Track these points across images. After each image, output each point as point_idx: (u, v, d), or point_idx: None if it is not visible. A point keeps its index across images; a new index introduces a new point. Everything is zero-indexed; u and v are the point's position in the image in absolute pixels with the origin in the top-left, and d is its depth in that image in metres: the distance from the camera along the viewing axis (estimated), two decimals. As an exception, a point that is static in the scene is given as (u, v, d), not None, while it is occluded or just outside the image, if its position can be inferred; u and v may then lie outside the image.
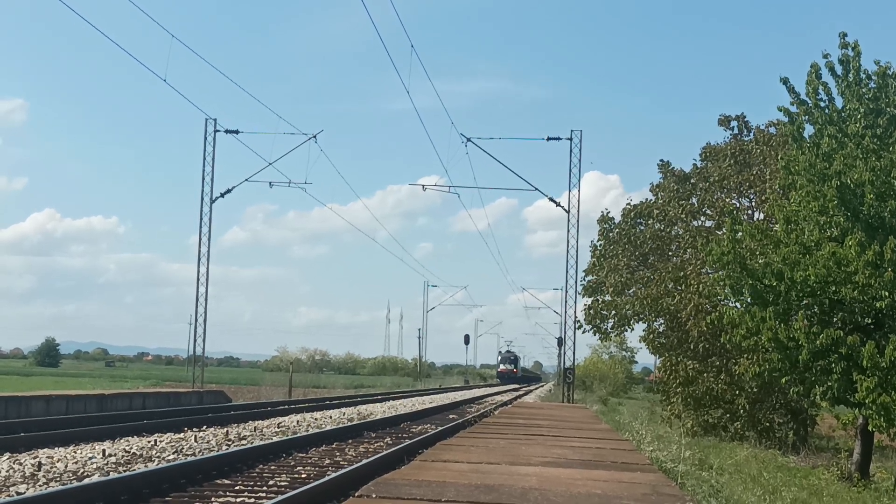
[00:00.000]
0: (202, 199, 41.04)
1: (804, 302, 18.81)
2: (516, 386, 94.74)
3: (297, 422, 22.69)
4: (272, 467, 13.74)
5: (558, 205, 42.29)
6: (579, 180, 42.21)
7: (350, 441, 18.67)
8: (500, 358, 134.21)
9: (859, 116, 18.81)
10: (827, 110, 19.61)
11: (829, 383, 17.94)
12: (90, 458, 13.36)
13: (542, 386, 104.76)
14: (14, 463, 12.49)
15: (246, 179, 41.97)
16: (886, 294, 17.19)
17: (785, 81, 20.02)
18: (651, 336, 35.64)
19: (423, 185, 47.07)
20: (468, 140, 40.93)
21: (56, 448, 14.67)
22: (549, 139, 42.82)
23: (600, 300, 38.62)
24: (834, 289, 17.99)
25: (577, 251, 42.14)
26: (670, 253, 36.81)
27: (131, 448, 14.87)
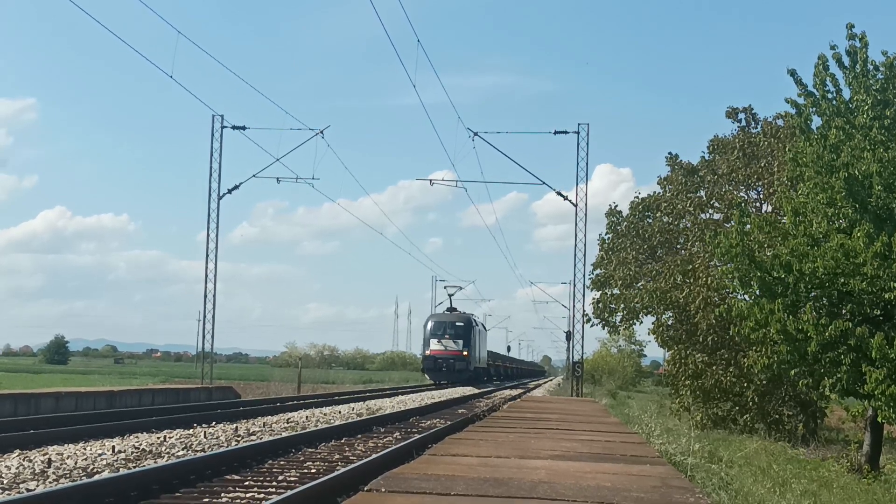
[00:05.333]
0: (209, 195, 41.06)
1: (813, 294, 18.78)
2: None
3: (307, 417, 22.70)
4: (281, 463, 13.75)
5: (565, 198, 42.23)
6: (587, 174, 42.01)
7: (359, 436, 18.67)
8: (429, 328, 60.60)
9: (867, 108, 18.76)
10: (834, 102, 19.56)
11: (839, 375, 17.91)
12: (100, 455, 13.37)
13: (552, 380, 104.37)
14: (24, 460, 12.52)
15: (253, 175, 41.87)
16: (895, 285, 17.15)
17: (792, 73, 19.98)
18: (660, 329, 35.59)
19: (431, 180, 46.38)
20: (475, 134, 40.83)
21: (66, 445, 14.69)
22: (556, 133, 42.75)
23: (609, 293, 38.61)
24: (842, 280, 17.95)
25: (584, 245, 42.08)
26: (678, 246, 36.77)
27: (140, 444, 14.89)
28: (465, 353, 57.99)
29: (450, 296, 65.04)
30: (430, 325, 60.16)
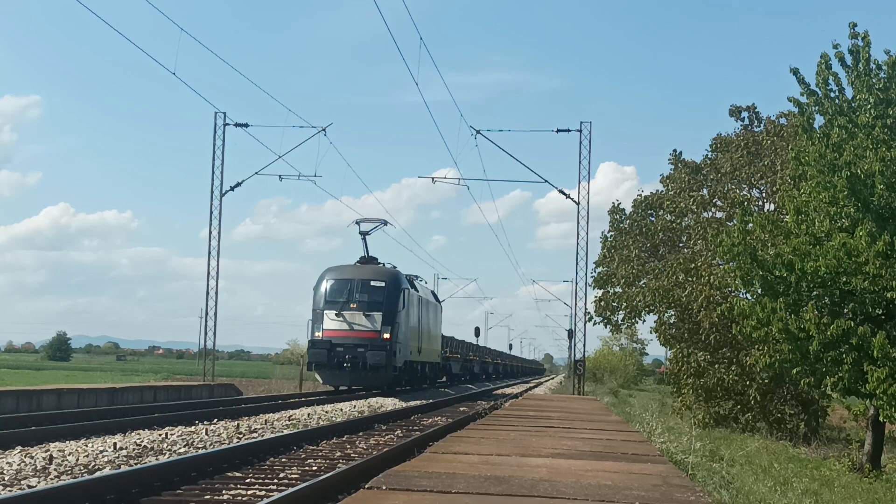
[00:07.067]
0: (212, 192, 41.04)
1: (815, 293, 18.76)
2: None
3: (308, 415, 22.72)
4: (283, 460, 13.77)
5: (568, 196, 42.23)
6: (589, 172, 41.96)
7: (361, 434, 18.70)
8: (323, 290, 34.68)
9: (869, 107, 18.74)
10: (837, 101, 19.53)
11: (840, 374, 17.90)
12: (101, 452, 13.40)
13: (552, 378, 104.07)
14: (25, 457, 12.54)
15: (256, 173, 41.78)
16: (897, 284, 17.14)
17: (795, 72, 19.94)
18: (662, 328, 35.58)
19: (434, 178, 46.23)
20: (477, 132, 40.76)
21: (67, 441, 14.72)
22: (558, 131, 42.70)
23: (611, 292, 38.59)
24: (844, 279, 17.93)
25: (587, 243, 42.06)
26: (681, 244, 36.75)
27: (142, 441, 14.91)
28: (385, 335, 33.92)
29: (362, 235, 38.21)
30: (325, 285, 34.96)
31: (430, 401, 31.71)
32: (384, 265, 37.65)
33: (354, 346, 33.58)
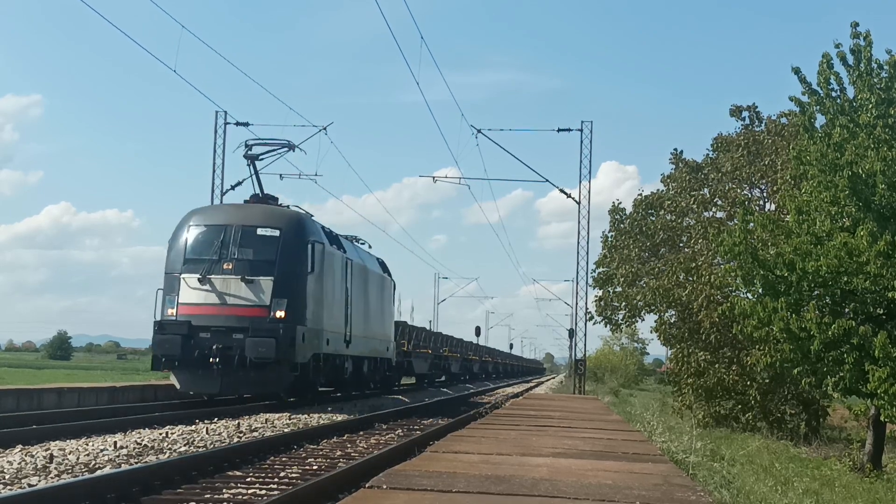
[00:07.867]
0: (213, 191, 40.97)
1: (816, 292, 18.76)
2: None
3: (309, 413, 22.69)
4: (283, 459, 13.76)
5: (568, 196, 42.19)
6: (590, 171, 41.96)
7: (361, 433, 18.69)
8: (182, 243, 22.31)
9: (871, 106, 18.73)
10: (838, 100, 19.52)
11: (841, 374, 17.90)
12: (102, 451, 13.38)
13: (554, 377, 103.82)
14: (26, 455, 12.53)
15: (256, 172, 41.74)
16: (898, 284, 17.14)
17: (797, 71, 19.94)
18: (662, 327, 35.57)
19: (434, 178, 46.03)
20: (478, 132, 40.70)
21: (68, 440, 14.70)
22: (559, 130, 42.69)
23: (611, 291, 38.59)
24: (846, 279, 17.93)
25: (588, 242, 42.05)
26: (682, 244, 36.74)
27: (143, 440, 14.90)
28: (277, 312, 22.05)
29: (250, 161, 26.13)
30: (185, 236, 23.19)
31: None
32: (283, 205, 25.44)
33: (228, 330, 21.97)
